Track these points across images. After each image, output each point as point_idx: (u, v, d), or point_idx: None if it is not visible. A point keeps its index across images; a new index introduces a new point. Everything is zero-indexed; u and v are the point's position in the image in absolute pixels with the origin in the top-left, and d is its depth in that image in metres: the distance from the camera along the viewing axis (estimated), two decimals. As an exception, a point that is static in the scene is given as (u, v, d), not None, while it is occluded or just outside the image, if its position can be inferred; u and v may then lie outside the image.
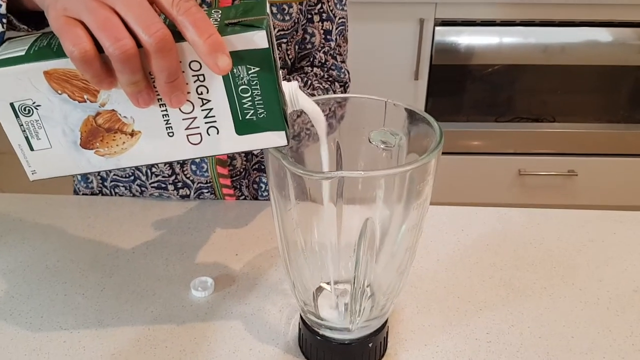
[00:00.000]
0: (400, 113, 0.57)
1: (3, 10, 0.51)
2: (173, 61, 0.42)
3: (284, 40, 0.85)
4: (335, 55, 0.92)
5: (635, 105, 2.05)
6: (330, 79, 0.91)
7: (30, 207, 0.86)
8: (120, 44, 0.40)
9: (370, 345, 0.59)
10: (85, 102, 0.46)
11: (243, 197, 0.91)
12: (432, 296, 0.70)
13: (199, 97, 0.46)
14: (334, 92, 0.91)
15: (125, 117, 0.46)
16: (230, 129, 0.47)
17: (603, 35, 1.90)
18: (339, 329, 0.58)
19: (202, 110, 0.46)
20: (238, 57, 0.44)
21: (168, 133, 0.47)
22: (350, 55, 0.96)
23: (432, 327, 0.65)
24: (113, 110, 0.46)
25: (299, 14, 0.84)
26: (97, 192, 0.92)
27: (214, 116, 0.47)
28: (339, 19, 0.90)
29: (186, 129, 0.47)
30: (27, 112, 0.46)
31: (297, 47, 0.88)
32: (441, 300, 0.69)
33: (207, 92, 0.46)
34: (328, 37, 0.90)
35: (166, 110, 0.46)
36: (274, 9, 0.81)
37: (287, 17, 0.83)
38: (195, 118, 0.47)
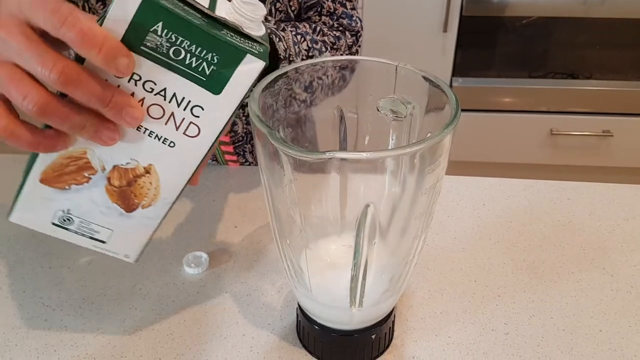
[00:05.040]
0: (413, 78, 0.50)
1: None
2: (91, 86, 0.38)
3: None
4: (344, 2, 0.84)
5: (680, 62, 1.93)
6: (341, 27, 0.83)
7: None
8: (28, 100, 0.37)
9: (373, 336, 0.54)
10: (90, 178, 0.44)
11: (247, 163, 0.85)
12: (445, 279, 0.64)
13: (155, 95, 0.40)
14: (345, 41, 0.84)
15: (128, 163, 0.43)
16: (208, 96, 0.41)
17: (648, -14, 1.77)
18: (338, 317, 0.52)
19: (169, 102, 0.41)
20: (136, 28, 0.37)
21: (169, 145, 0.42)
22: (372, 4, 0.88)
23: (444, 315, 0.59)
24: (114, 165, 0.43)
25: None
26: None
27: (184, 98, 0.41)
28: None
29: (177, 129, 0.42)
30: (68, 221, 0.46)
31: None
32: (456, 284, 0.63)
33: (156, 84, 0.40)
34: None
35: (145, 128, 0.41)
36: None
37: None
38: (172, 113, 0.41)
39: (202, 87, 0.40)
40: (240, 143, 0.82)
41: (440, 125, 0.42)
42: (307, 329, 0.55)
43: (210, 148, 0.44)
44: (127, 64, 0.37)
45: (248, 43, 0.40)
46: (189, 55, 0.39)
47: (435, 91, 0.48)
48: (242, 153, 0.83)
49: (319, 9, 0.82)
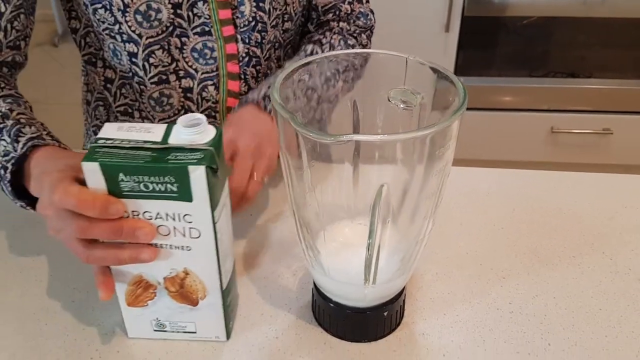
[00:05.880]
0: (422, 70, 0.53)
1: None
2: (103, 228, 0.49)
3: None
4: None
5: (678, 61, 1.96)
6: (357, 31, 0.87)
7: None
8: (80, 256, 0.51)
9: (385, 313, 0.57)
10: (155, 293, 0.55)
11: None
12: (453, 262, 0.67)
13: (155, 219, 0.50)
14: (361, 43, 0.87)
15: (171, 272, 0.53)
16: (187, 205, 0.49)
17: (647, -14, 1.80)
18: (352, 295, 0.56)
19: (167, 220, 0.50)
20: (110, 184, 0.48)
21: (187, 250, 0.52)
22: (374, 4, 0.91)
23: (451, 295, 0.63)
24: (163, 278, 0.54)
25: None
26: None
27: (174, 213, 0.49)
28: None
29: (184, 236, 0.51)
30: (162, 326, 0.57)
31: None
32: (462, 267, 0.66)
33: (150, 212, 0.49)
34: None
35: (165, 244, 0.51)
36: None
37: None
38: (174, 227, 0.50)
39: (179, 200, 0.48)
40: None
41: (448, 113, 0.46)
42: (323, 307, 0.58)
43: (215, 241, 0.51)
44: (116, 209, 0.48)
45: (191, 155, 0.47)
46: (155, 184, 0.48)
47: (443, 82, 0.51)
48: None
49: (336, 12, 0.86)
